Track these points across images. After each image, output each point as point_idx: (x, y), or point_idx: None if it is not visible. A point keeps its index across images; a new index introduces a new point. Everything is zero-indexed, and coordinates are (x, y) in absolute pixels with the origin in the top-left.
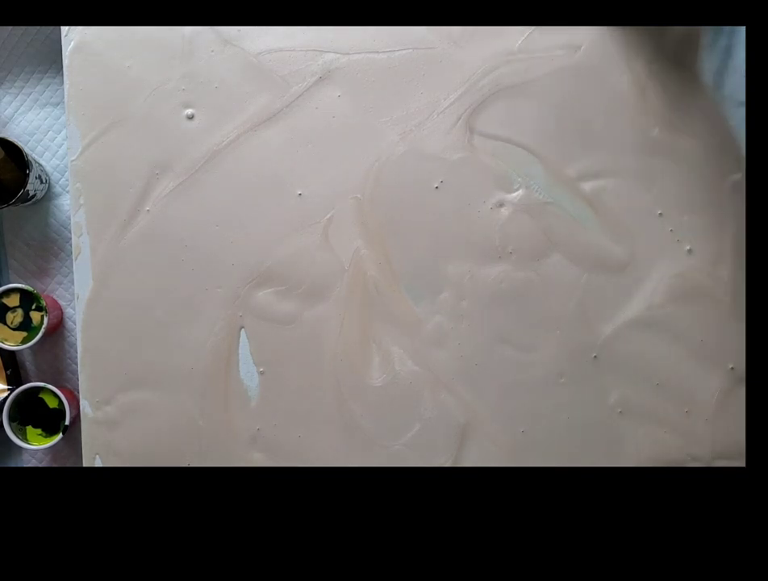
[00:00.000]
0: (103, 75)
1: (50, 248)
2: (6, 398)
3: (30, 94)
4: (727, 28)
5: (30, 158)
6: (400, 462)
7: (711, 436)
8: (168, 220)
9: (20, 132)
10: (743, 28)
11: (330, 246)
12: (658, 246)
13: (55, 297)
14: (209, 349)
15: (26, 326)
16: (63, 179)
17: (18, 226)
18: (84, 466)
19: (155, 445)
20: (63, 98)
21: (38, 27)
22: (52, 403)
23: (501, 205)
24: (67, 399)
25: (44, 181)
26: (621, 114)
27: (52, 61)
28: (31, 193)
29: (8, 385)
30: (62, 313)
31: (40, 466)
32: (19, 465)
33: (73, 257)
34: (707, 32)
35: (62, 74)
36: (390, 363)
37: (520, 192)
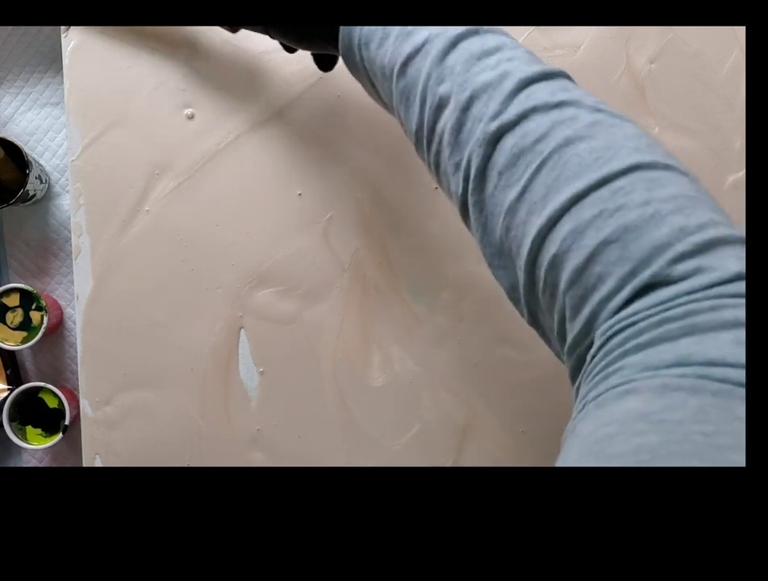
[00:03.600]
0: (103, 75)
1: (50, 248)
2: (6, 398)
3: (30, 94)
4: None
5: (30, 158)
6: (400, 462)
7: None
8: (168, 220)
9: (20, 132)
10: None
11: (330, 246)
12: None
13: (55, 297)
14: (209, 348)
15: (26, 326)
16: (63, 179)
17: (18, 226)
18: (84, 466)
19: (155, 445)
20: (63, 98)
21: (38, 27)
22: (52, 403)
23: None
24: (67, 399)
25: (44, 181)
26: None
27: (51, 61)
28: (31, 193)
29: (8, 385)
30: (62, 313)
31: (40, 466)
32: (19, 465)
33: (73, 257)
34: None
35: (62, 74)
36: (390, 363)
37: None
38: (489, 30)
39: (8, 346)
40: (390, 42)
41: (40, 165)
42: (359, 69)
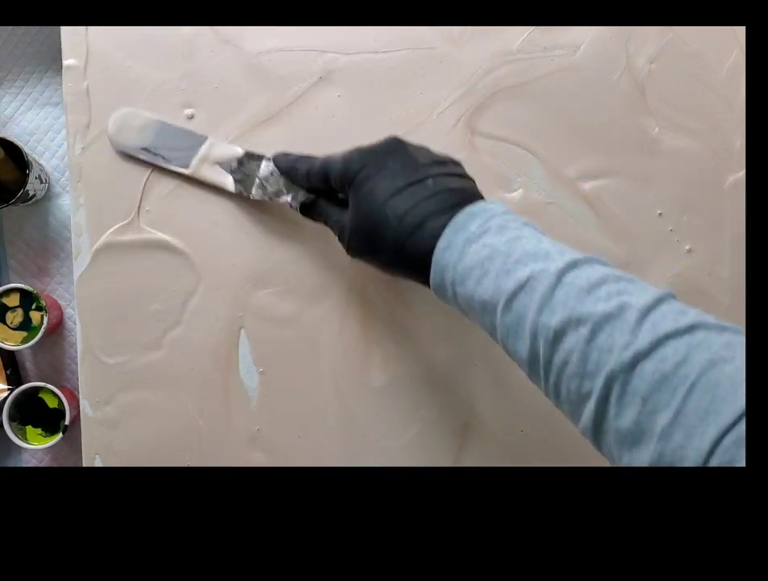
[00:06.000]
0: (103, 75)
1: (50, 248)
2: (6, 398)
3: (30, 94)
4: None
5: (30, 158)
6: (400, 462)
7: None
8: (168, 220)
9: (20, 132)
10: None
11: (330, 246)
12: (658, 246)
13: (55, 297)
14: (209, 349)
15: (26, 326)
16: (63, 179)
17: (18, 226)
18: (84, 466)
19: (155, 445)
20: (63, 98)
21: (38, 27)
22: (52, 403)
23: None
24: (67, 399)
25: (44, 181)
26: (621, 114)
27: (51, 61)
28: (31, 193)
29: (8, 385)
30: (62, 313)
31: (40, 466)
32: (19, 465)
33: (73, 257)
34: None
35: (62, 74)
36: (390, 363)
37: (520, 192)
38: (585, 261)
39: (8, 346)
40: (489, 279)
41: (40, 165)
42: (450, 301)
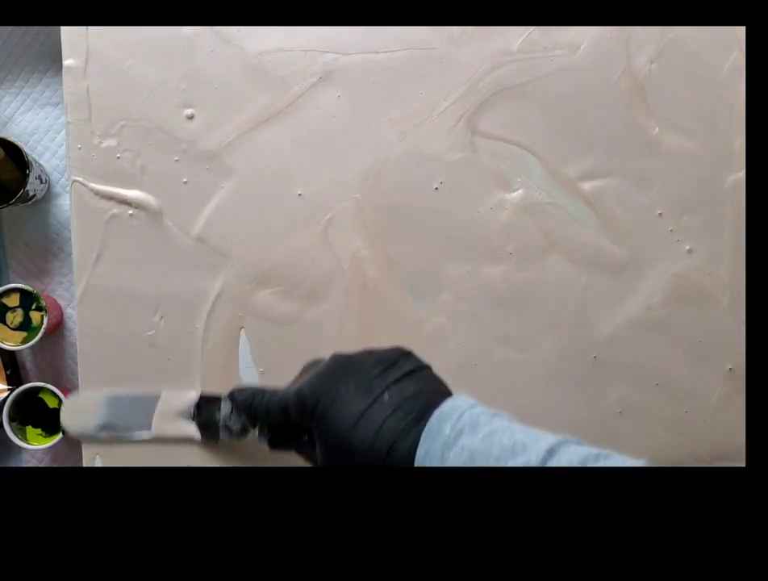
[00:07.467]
0: (103, 75)
1: (50, 248)
2: (6, 398)
3: (30, 94)
4: None
5: (30, 158)
6: None
7: (711, 436)
8: (168, 220)
9: (20, 132)
10: None
11: (330, 247)
12: (658, 246)
13: (55, 297)
14: (209, 348)
15: (26, 326)
16: (63, 179)
17: (18, 226)
18: (84, 466)
19: (155, 444)
20: (63, 98)
21: (38, 27)
22: (52, 403)
23: (501, 205)
24: None
25: (44, 181)
26: (621, 115)
27: (52, 61)
28: (31, 193)
29: (8, 385)
30: (62, 313)
31: (40, 466)
32: (19, 465)
33: (73, 257)
34: None
35: (62, 74)
36: None
37: (520, 192)
38: (560, 444)
39: (8, 346)
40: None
41: (40, 165)
42: None
